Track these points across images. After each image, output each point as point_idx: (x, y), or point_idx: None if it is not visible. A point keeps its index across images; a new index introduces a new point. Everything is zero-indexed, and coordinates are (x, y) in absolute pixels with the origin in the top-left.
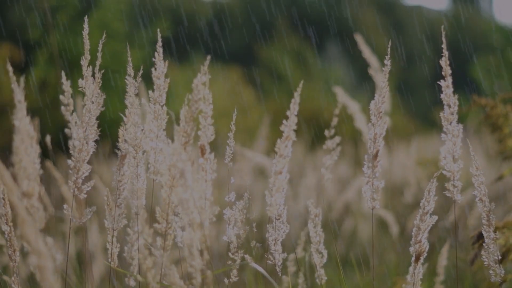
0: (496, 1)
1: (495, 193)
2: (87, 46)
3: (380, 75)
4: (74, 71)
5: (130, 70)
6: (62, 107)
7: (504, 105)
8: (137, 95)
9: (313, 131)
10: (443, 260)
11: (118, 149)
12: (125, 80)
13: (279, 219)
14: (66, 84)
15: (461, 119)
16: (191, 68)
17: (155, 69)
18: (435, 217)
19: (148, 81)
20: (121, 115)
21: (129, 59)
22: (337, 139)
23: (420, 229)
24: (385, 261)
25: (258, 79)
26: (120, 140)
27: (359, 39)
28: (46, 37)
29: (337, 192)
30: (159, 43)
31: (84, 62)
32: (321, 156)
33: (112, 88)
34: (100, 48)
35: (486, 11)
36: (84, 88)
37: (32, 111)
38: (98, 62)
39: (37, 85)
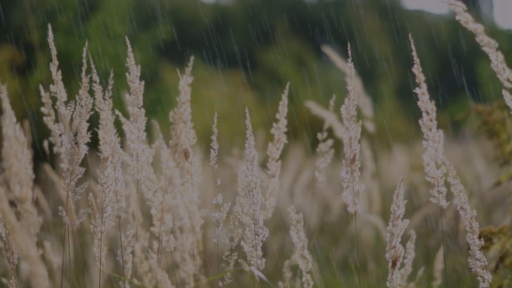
0: (496, 5)
1: (493, 199)
2: (54, 51)
3: (350, 80)
4: (76, 74)
5: (95, 76)
6: (44, 118)
7: (501, 111)
8: (110, 98)
9: (313, 135)
10: (439, 264)
11: (100, 152)
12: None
13: (257, 224)
14: (45, 96)
15: (459, 125)
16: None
17: (129, 73)
18: (407, 221)
19: (149, 84)
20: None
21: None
22: (330, 142)
23: (393, 235)
24: (382, 264)
25: (259, 83)
26: (101, 143)
27: (328, 51)
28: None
29: (334, 194)
30: (129, 48)
31: (53, 68)
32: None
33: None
34: (84, 55)
35: (487, 16)
36: (56, 93)
37: (33, 113)
38: (94, 66)
39: (38, 87)
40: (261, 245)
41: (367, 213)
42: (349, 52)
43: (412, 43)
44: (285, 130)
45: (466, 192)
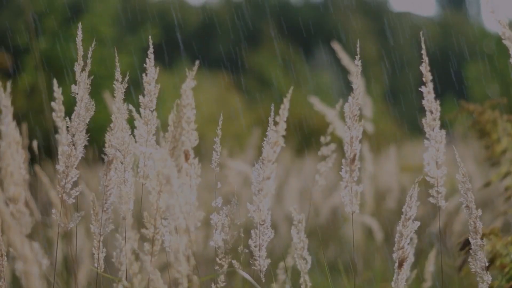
0: (484, 7)
1: (483, 199)
2: (80, 52)
3: (355, 78)
4: (63, 77)
5: (118, 75)
6: (53, 113)
7: (492, 111)
8: (124, 100)
9: (301, 137)
10: (430, 266)
11: (105, 154)
12: (113, 86)
13: (263, 224)
14: (57, 91)
15: (448, 125)
16: (178, 74)
17: (146, 74)
18: (418, 223)
19: (135, 87)
20: (111, 119)
21: (117, 64)
22: (333, 146)
23: (402, 235)
24: (372, 266)
25: (246, 85)
26: (106, 145)
27: (337, 47)
28: (34, 42)
29: (324, 197)
30: (151, 49)
31: (78, 67)
32: (309, 161)
33: (99, 94)
34: (90, 54)
35: (474, 18)
36: (77, 94)
37: (20, 117)
38: (87, 68)
39: (26, 90)
40: (265, 245)
41: (359, 214)
42: (358, 49)
43: (422, 41)
44: (284, 133)
45: (454, 192)
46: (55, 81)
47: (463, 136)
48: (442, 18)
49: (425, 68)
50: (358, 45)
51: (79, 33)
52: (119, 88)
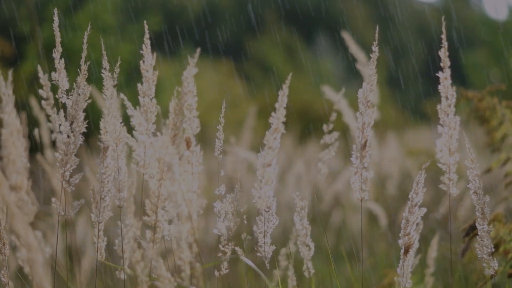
0: None
1: (483, 186)
2: (58, 38)
3: (368, 64)
4: (67, 65)
5: (105, 63)
6: (42, 101)
7: (491, 98)
8: (115, 87)
9: (303, 124)
10: (433, 252)
11: (101, 141)
12: (101, 74)
13: (268, 211)
14: (43, 78)
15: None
16: (181, 62)
17: (143, 62)
18: (424, 209)
19: (139, 75)
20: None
21: (104, 53)
22: (335, 134)
23: (409, 222)
24: (375, 253)
25: (248, 72)
26: (102, 132)
27: (346, 36)
28: (37, 30)
29: (327, 184)
30: (146, 35)
31: (56, 54)
32: (311, 148)
33: (102, 81)
34: (85, 40)
35: (476, 5)
36: (58, 81)
37: (23, 105)
38: (83, 54)
39: (28, 78)
40: (270, 232)
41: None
42: (376, 34)
43: (443, 26)
44: (284, 120)
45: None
46: (39, 68)
47: (462, 123)
48: (443, 4)
49: (444, 53)
50: (376, 31)
51: (56, 18)
52: (108, 76)
